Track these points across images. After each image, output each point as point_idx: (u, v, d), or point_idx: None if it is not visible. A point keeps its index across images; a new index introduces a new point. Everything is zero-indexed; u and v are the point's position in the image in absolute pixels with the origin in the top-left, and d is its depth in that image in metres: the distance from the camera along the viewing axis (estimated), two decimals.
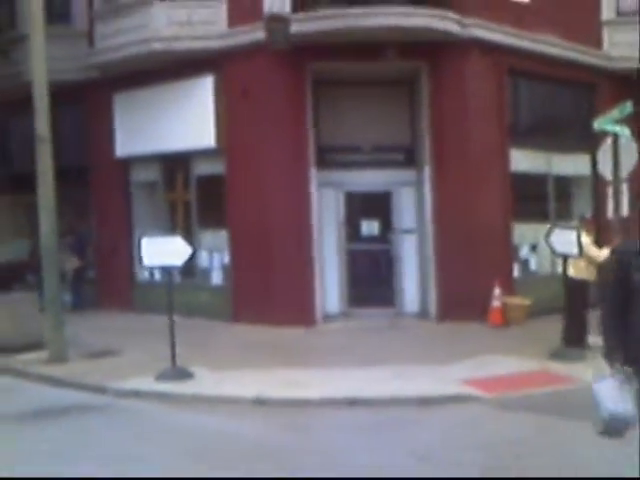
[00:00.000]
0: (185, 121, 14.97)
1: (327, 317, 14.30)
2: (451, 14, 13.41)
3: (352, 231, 14.75)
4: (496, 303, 13.57)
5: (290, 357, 11.19)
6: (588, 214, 13.53)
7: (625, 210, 11.19)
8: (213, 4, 14.58)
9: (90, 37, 16.40)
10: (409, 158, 14.76)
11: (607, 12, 16.42)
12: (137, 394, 9.44)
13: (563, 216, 15.35)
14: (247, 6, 14.00)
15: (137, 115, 15.89)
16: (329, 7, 13.47)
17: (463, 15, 13.56)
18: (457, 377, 9.77)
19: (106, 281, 16.85)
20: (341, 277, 14.61)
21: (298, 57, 13.70)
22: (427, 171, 14.17)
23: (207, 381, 9.92)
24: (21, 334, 11.90)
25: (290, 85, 14.05)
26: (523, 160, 14.85)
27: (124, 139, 16.28)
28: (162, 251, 10.28)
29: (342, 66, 13.88)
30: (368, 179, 14.71)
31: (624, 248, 5.27)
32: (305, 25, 13.14)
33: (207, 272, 15.46)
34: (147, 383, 9.76)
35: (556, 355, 10.64)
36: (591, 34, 16.04)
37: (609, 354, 4.75)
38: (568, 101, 16.24)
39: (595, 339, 11.18)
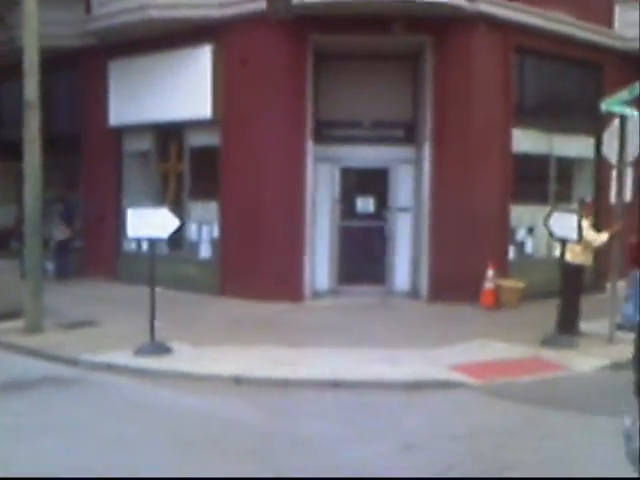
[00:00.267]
0: (181, 91, 14.64)
1: (316, 294, 14.13)
2: None
3: (347, 208, 14.49)
4: (489, 285, 13.34)
5: (275, 334, 10.91)
6: (588, 198, 13.25)
7: (628, 195, 10.80)
8: None
9: (87, 3, 16.02)
10: (409, 135, 14.47)
11: None
12: (111, 368, 9.11)
13: (563, 199, 15.04)
14: None
15: (132, 83, 15.57)
16: None
17: None
18: (446, 362, 9.46)
19: (92, 250, 16.59)
20: (332, 254, 14.40)
21: (300, 28, 13.38)
22: (427, 148, 13.85)
23: (186, 357, 9.58)
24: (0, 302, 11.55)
25: (291, 57, 13.72)
26: (525, 140, 14.50)
27: (118, 108, 15.95)
28: (148, 223, 9.94)
29: (345, 39, 13.55)
30: (366, 155, 14.41)
31: None
32: None
33: (195, 245, 15.17)
34: (123, 357, 9.43)
35: (548, 341, 10.37)
36: (602, 12, 15.60)
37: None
38: (574, 81, 15.84)
39: (588, 325, 11.02)
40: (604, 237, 10.98)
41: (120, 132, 16.33)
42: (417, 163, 14.24)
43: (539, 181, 15.12)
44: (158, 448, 6.52)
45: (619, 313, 11.18)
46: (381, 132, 14.39)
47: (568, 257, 10.79)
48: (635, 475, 4.57)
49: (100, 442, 6.62)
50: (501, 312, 13.01)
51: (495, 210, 13.79)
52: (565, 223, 10.42)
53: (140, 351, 9.53)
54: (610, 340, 10.49)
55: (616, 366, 9.44)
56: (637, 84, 10.38)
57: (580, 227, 10.24)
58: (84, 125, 16.76)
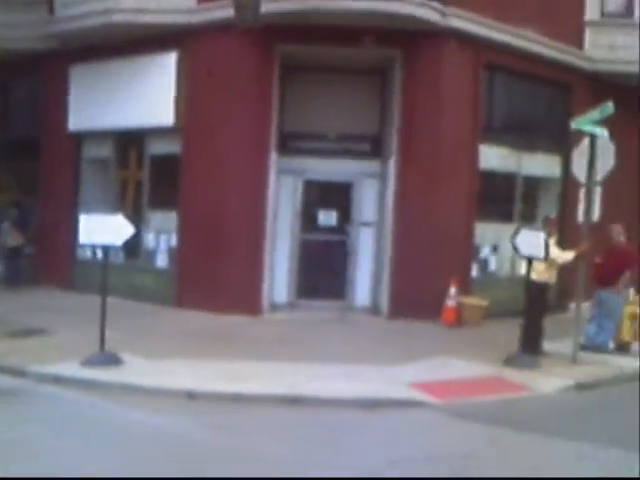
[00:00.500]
0: (143, 97, 14.37)
1: (274, 307, 13.87)
2: (434, 2, 12.85)
3: (309, 221, 14.22)
4: (451, 302, 13.15)
5: (231, 347, 10.63)
6: (552, 214, 13.13)
7: (596, 214, 10.67)
8: None
9: (50, 5, 15.65)
10: (375, 149, 14.28)
11: (591, 12, 15.85)
12: (58, 380, 8.69)
13: (527, 218, 14.89)
14: None
15: (93, 89, 15.25)
16: None
17: (443, 4, 13.02)
18: (406, 379, 9.20)
19: (46, 258, 16.14)
20: (292, 267, 14.13)
21: (267, 38, 13.18)
22: (392, 163, 13.68)
23: (137, 369, 9.19)
24: None
25: (257, 66, 13.50)
26: (493, 157, 14.38)
27: (78, 113, 15.64)
28: (102, 229, 9.60)
29: (313, 50, 13.35)
30: (330, 168, 14.17)
31: None
32: (275, 4, 12.50)
33: (152, 254, 14.82)
34: (72, 368, 9.02)
35: (511, 361, 10.16)
36: (573, 33, 15.54)
37: None
38: (543, 100, 15.76)
39: (551, 345, 10.85)
40: (569, 255, 10.87)
41: (80, 138, 15.98)
42: (382, 177, 14.04)
43: (505, 199, 14.99)
44: (96, 465, 6.11)
45: (582, 333, 11.03)
46: (347, 145, 14.20)
47: (532, 275, 10.62)
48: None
49: (35, 458, 6.21)
50: (463, 330, 12.80)
51: (460, 227, 13.60)
52: (532, 241, 10.28)
53: (88, 362, 9.12)
54: (573, 360, 10.35)
55: (579, 387, 9.34)
56: (608, 104, 10.30)
57: (547, 245, 10.11)
58: (43, 130, 16.39)
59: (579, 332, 10.68)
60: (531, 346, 10.47)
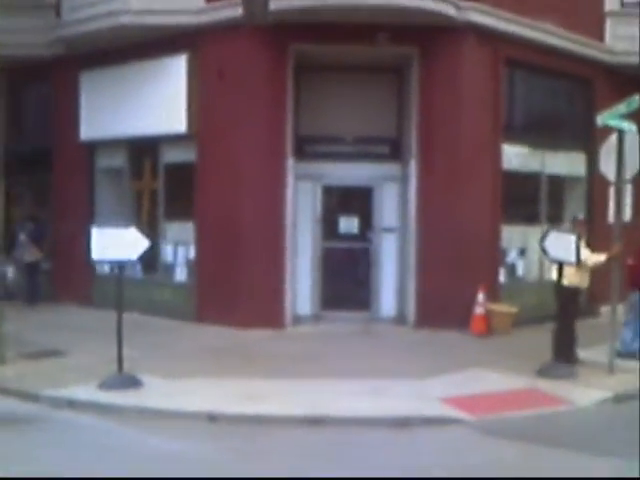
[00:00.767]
0: (155, 104, 14.02)
1: (297, 319, 13.47)
2: None
3: (329, 228, 13.84)
4: (479, 310, 12.74)
5: (253, 365, 10.25)
6: (580, 215, 12.71)
7: (628, 214, 10.23)
8: None
9: (57, 9, 15.40)
10: (394, 151, 13.90)
11: (611, 2, 15.45)
12: (73, 404, 8.38)
13: (554, 219, 14.49)
14: None
15: (104, 96, 14.93)
16: None
17: None
18: (436, 394, 8.82)
19: (64, 273, 15.80)
20: (314, 277, 13.74)
21: (280, 37, 12.83)
22: (413, 166, 13.31)
23: (156, 391, 8.86)
24: None
25: (270, 68, 13.12)
26: (515, 157, 14.00)
27: (90, 121, 15.31)
28: (115, 243, 9.25)
29: (327, 49, 13.00)
30: (349, 172, 13.82)
31: None
32: (285, 1, 12.13)
33: (171, 267, 14.49)
34: (88, 391, 8.70)
35: (545, 371, 9.75)
36: (593, 25, 15.12)
37: None
38: (564, 95, 15.44)
39: (585, 353, 10.42)
40: (600, 257, 10.39)
41: (92, 147, 15.70)
42: (403, 181, 13.66)
43: (530, 200, 14.59)
44: None
45: (617, 339, 10.59)
46: (365, 148, 13.86)
47: (563, 280, 10.19)
48: None
49: None
50: (493, 339, 12.39)
51: (485, 230, 13.20)
52: (562, 244, 9.84)
53: (105, 385, 8.81)
54: (610, 369, 9.89)
55: (618, 399, 8.89)
56: (635, 97, 9.85)
57: (578, 248, 9.68)
58: (55, 140, 16.08)
59: (615, 338, 10.24)
60: (565, 354, 10.06)
